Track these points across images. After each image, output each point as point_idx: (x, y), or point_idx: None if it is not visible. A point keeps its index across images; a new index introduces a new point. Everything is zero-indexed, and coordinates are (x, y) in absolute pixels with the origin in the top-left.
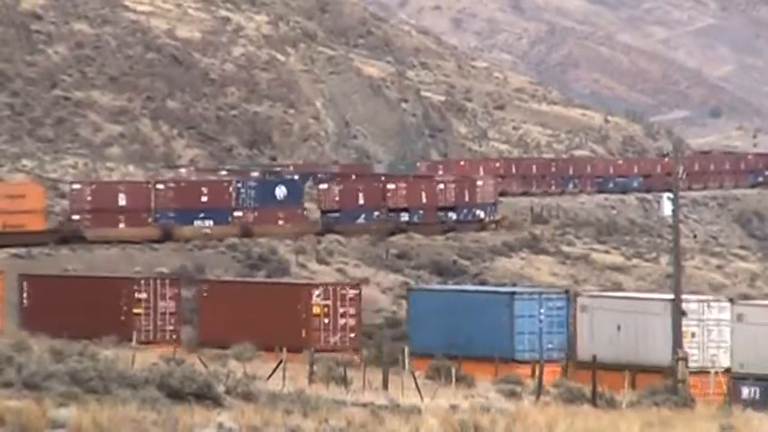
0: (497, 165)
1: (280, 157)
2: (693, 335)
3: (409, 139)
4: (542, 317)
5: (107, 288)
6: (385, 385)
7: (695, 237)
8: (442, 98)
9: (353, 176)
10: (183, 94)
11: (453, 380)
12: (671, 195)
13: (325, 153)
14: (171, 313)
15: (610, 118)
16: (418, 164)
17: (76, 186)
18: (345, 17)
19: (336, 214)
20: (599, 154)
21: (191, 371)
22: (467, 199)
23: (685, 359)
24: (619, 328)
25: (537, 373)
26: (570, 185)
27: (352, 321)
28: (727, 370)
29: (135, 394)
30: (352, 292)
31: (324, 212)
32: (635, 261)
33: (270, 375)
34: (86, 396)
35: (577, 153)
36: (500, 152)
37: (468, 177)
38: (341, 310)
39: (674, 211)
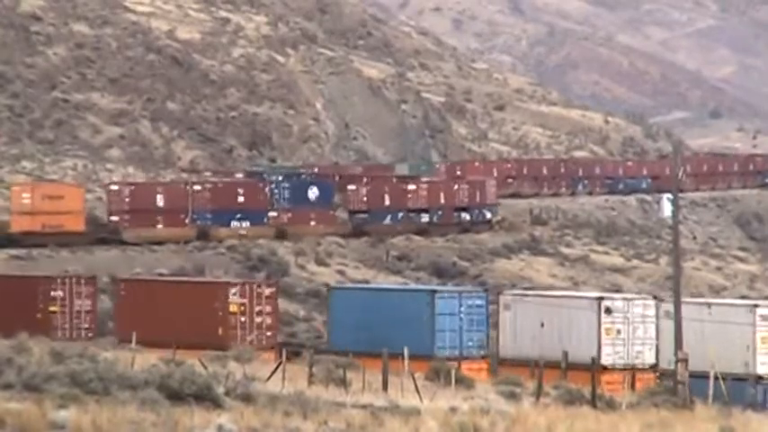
0: (509, 166)
1: (279, 158)
2: (619, 332)
3: (409, 141)
4: (462, 314)
5: (24, 287)
6: (384, 387)
7: (694, 238)
8: (442, 99)
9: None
10: (182, 96)
11: (453, 381)
12: (670, 196)
13: (324, 154)
14: (87, 311)
15: (609, 119)
16: (437, 165)
17: (115, 187)
18: (345, 18)
19: (365, 215)
20: (599, 155)
21: (190, 372)
22: (477, 200)
23: (686, 360)
24: (542, 325)
25: (537, 375)
26: (580, 186)
27: (268, 320)
28: (653, 366)
29: (135, 396)
30: (268, 291)
31: (351, 213)
32: (635, 262)
33: (269, 377)
34: (86, 397)
35: (577, 154)
36: (500, 153)
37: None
38: (257, 309)
39: (673, 212)
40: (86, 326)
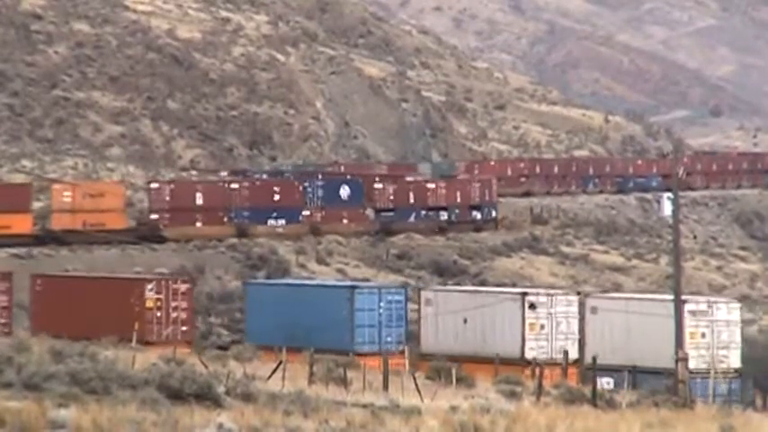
0: (522, 165)
1: (280, 157)
2: (543, 327)
3: (409, 140)
4: (381, 310)
5: None
6: (385, 386)
7: (695, 237)
8: (443, 98)
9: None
10: (183, 95)
11: (454, 380)
12: (671, 195)
13: (324, 153)
14: (3, 307)
15: (610, 118)
16: (457, 164)
17: (155, 185)
18: (346, 17)
19: (391, 213)
20: (599, 154)
21: (191, 371)
22: (487, 198)
23: (686, 359)
24: (465, 321)
25: (537, 374)
26: (591, 185)
27: (183, 315)
28: (576, 362)
29: (135, 395)
30: (183, 287)
31: (377, 211)
32: (635, 261)
33: (270, 376)
34: (86, 397)
35: (577, 153)
36: (500, 152)
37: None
38: (173, 304)
39: (673, 211)
40: (2, 321)
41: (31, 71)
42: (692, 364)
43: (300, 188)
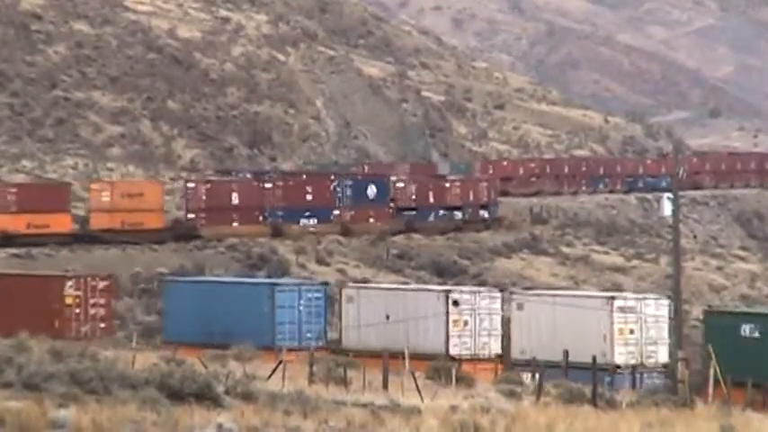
0: (532, 165)
1: (280, 157)
2: (466, 323)
3: (409, 139)
4: (301, 307)
5: None
6: (385, 386)
7: (695, 237)
8: (442, 98)
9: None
10: (183, 95)
11: (453, 380)
12: (671, 195)
13: (325, 153)
14: None
15: (610, 118)
16: (474, 164)
17: (191, 185)
18: (346, 17)
19: (413, 212)
20: (599, 154)
21: (191, 371)
22: (492, 198)
23: (686, 360)
24: (388, 317)
25: (537, 374)
26: (600, 185)
27: (102, 311)
28: (499, 357)
29: (135, 395)
30: (102, 284)
31: (399, 210)
32: (635, 262)
33: (270, 376)
34: (86, 397)
35: (577, 153)
36: (500, 153)
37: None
38: (92, 301)
39: (673, 211)
40: None
41: (30, 71)
42: (620, 360)
43: (331, 188)
